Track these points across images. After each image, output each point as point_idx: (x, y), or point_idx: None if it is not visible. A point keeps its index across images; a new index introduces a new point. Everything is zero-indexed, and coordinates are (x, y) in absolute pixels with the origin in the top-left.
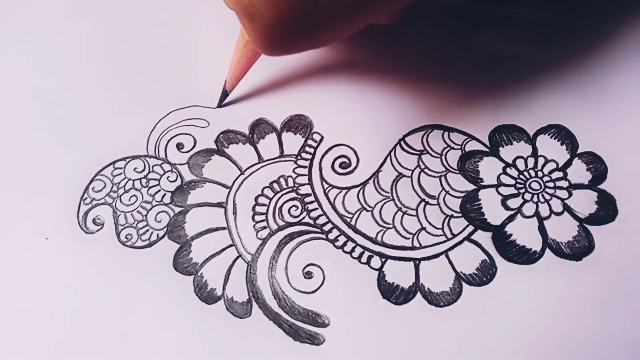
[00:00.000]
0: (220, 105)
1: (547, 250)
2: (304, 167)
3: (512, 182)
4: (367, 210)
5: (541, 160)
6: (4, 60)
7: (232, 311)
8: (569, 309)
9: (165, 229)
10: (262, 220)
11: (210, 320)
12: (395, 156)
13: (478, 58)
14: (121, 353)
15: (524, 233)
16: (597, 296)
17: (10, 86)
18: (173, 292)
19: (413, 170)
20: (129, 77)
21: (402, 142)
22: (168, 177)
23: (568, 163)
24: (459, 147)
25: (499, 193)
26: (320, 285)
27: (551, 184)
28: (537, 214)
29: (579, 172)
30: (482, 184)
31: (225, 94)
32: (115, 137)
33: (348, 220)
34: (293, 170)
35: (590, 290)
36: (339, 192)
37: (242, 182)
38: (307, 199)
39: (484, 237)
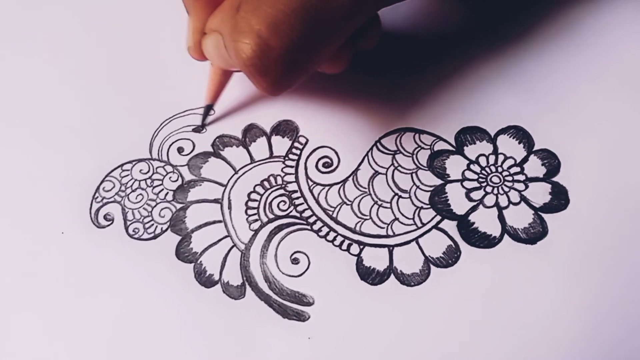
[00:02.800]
0: (203, 124)
1: (506, 236)
2: (291, 166)
3: (475, 177)
4: (347, 204)
5: (501, 157)
6: (25, 77)
7: (228, 294)
8: (524, 287)
9: (168, 223)
10: (254, 214)
11: (208, 302)
12: (372, 156)
13: (444, 68)
14: (130, 332)
15: (485, 221)
16: (550, 275)
17: (29, 99)
18: (176, 278)
19: (388, 168)
20: (135, 89)
21: (378, 144)
22: (170, 177)
23: (525, 159)
24: (429, 147)
25: (463, 187)
26: (306, 270)
27: (510, 178)
28: (497, 204)
29: (535, 166)
30: (448, 179)
31: (208, 108)
32: (123, 142)
33: (330, 213)
34: (281, 170)
35: (543, 270)
36: (323, 189)
37: (236, 181)
38: (294, 195)
39: (450, 226)
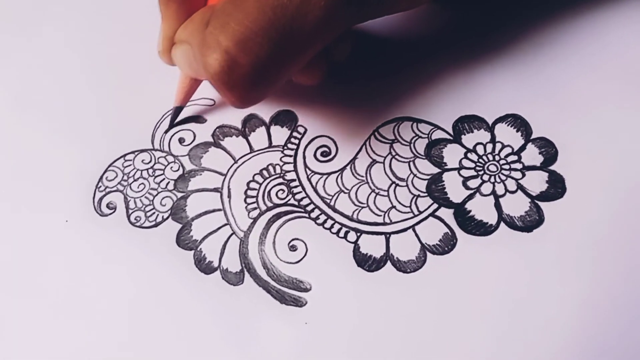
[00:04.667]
0: (172, 125)
1: (502, 224)
2: (290, 156)
3: (472, 165)
4: (345, 192)
5: (498, 146)
6: (30, 70)
7: (227, 280)
8: (519, 274)
9: (169, 212)
10: (253, 202)
11: (208, 288)
12: (369, 145)
13: (442, 58)
14: (131, 317)
15: (481, 209)
16: (545, 263)
17: (34, 91)
18: (176, 265)
19: (385, 157)
20: (137, 81)
21: (376, 133)
22: (171, 167)
23: (522, 147)
24: (426, 136)
25: (460, 175)
26: (303, 257)
27: (507, 166)
28: (493, 192)
29: (532, 155)
30: (445, 167)
31: (178, 110)
32: (126, 133)
33: (328, 201)
34: (280, 159)
35: (539, 258)
36: (321, 177)
37: (235, 170)
38: (293, 184)
39: (447, 213)
